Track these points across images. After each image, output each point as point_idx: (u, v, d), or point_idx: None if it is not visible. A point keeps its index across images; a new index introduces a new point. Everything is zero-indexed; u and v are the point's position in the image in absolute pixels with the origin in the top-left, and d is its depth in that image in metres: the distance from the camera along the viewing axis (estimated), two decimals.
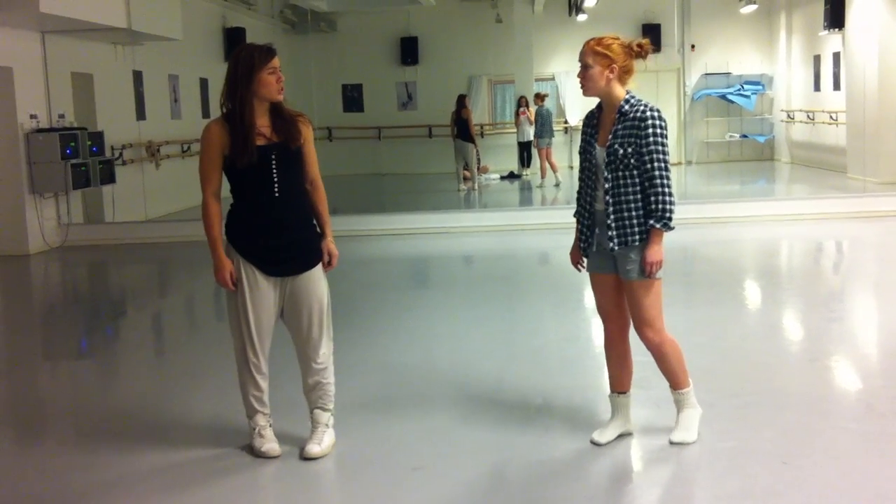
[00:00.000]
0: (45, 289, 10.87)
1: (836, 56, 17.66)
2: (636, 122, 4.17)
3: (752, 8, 20.01)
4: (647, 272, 4.20)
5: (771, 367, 5.75)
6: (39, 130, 11.96)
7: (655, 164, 4.14)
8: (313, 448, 4.41)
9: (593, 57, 4.21)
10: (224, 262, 4.35)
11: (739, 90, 21.20)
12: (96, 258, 12.01)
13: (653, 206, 4.16)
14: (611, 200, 4.21)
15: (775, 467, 4.13)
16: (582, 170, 4.41)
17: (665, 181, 4.15)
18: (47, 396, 6.09)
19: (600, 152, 4.27)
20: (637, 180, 4.18)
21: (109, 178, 13.11)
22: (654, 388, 4.83)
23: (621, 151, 4.17)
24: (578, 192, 4.46)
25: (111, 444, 4.77)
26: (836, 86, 17.74)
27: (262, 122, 4.34)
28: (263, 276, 4.35)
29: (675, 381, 4.40)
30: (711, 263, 9.92)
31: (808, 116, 19.15)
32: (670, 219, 4.16)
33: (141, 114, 14.97)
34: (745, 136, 21.56)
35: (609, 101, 4.27)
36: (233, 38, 17.82)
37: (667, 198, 4.15)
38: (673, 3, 20.25)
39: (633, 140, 4.16)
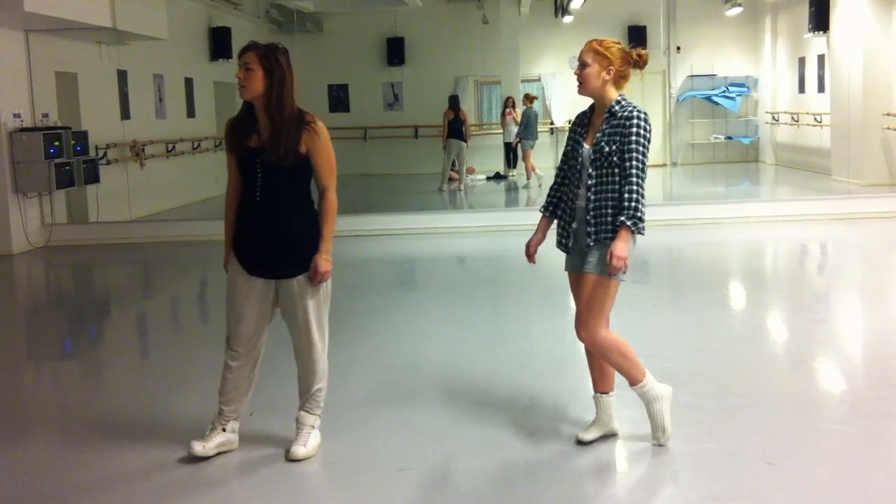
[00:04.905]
0: (29, 289, 10.80)
1: (821, 58, 17.75)
2: (622, 121, 4.23)
3: (737, 10, 20.10)
4: (611, 268, 4.16)
5: (756, 369, 5.77)
6: (23, 130, 11.88)
7: (633, 164, 4.17)
8: (299, 449, 4.40)
9: (593, 56, 4.27)
10: (227, 254, 4.46)
11: (724, 92, 21.28)
12: (80, 258, 11.94)
13: (626, 205, 4.16)
14: (592, 197, 4.25)
15: (760, 469, 4.14)
16: (567, 167, 4.43)
17: (640, 181, 4.17)
18: (31, 398, 6.05)
19: (587, 150, 4.30)
20: (619, 179, 4.22)
21: (93, 177, 13.04)
22: None
23: (606, 149, 4.22)
24: (556, 190, 4.49)
25: (95, 447, 4.74)
26: (821, 88, 17.84)
27: (262, 123, 4.29)
28: (247, 272, 4.38)
29: (629, 378, 4.38)
30: (696, 265, 9.95)
31: (793, 118, 19.24)
32: (640, 219, 4.15)
33: (125, 113, 14.89)
34: (729, 138, 21.64)
35: (601, 102, 4.32)
36: (218, 38, 17.79)
37: (639, 198, 4.15)
38: (658, 5, 20.31)
39: (617, 138, 4.21)
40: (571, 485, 4.12)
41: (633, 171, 4.16)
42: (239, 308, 4.40)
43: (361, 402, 5.28)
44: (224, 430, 4.49)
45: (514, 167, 19.42)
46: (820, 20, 16.65)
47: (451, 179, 17.69)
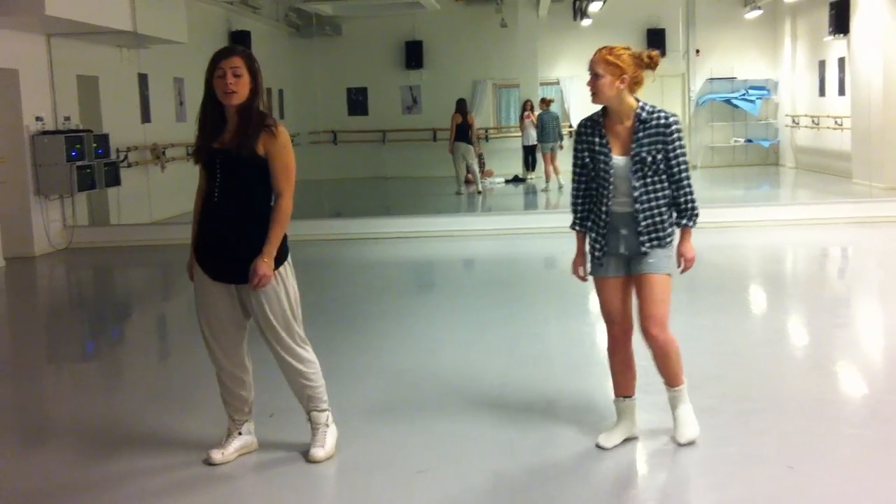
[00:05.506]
0: (51, 291, 10.89)
1: (841, 61, 17.65)
2: (661, 129, 4.25)
3: (756, 13, 20.03)
4: (685, 268, 4.41)
5: (775, 372, 5.75)
6: (45, 133, 11.99)
7: (682, 168, 4.32)
8: (317, 452, 4.41)
9: (604, 66, 4.24)
10: (190, 258, 4.41)
11: (744, 95, 21.19)
12: (101, 260, 12.03)
13: (683, 207, 4.34)
14: (640, 207, 4.28)
15: (779, 473, 4.13)
16: (591, 178, 4.39)
17: (690, 182, 4.36)
18: (52, 398, 6.10)
19: (623, 161, 4.29)
20: (665, 184, 4.31)
21: (114, 180, 13.14)
22: (659, 393, 4.81)
23: (649, 159, 4.25)
24: (584, 203, 4.45)
25: (116, 447, 4.78)
26: (841, 91, 17.73)
27: (230, 126, 4.26)
28: (209, 277, 4.34)
29: (675, 379, 4.43)
30: (716, 269, 9.91)
31: (813, 121, 19.14)
32: (698, 216, 4.38)
33: (146, 116, 14.99)
34: (749, 141, 21.55)
35: (620, 109, 4.30)
36: (238, 42, 17.84)
37: (694, 198, 4.37)
38: (678, 9, 20.28)
39: (660, 147, 4.25)
40: (590, 488, 4.12)
41: (684, 174, 4.32)
42: (207, 316, 4.36)
43: (378, 404, 5.30)
44: (240, 433, 4.50)
45: (533, 170, 19.42)
46: (840, 23, 16.56)
47: (467, 182, 17.72)
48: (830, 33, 16.96)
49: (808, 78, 19.80)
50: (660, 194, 4.29)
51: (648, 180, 4.27)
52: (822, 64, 18.85)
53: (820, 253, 11.07)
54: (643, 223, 4.28)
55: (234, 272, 4.26)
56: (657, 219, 4.29)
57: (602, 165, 4.32)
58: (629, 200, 4.29)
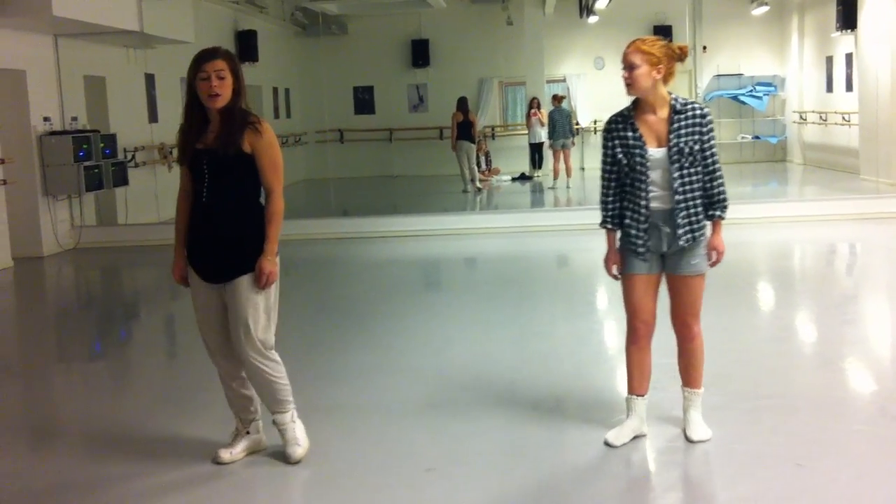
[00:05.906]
0: (59, 291, 10.92)
1: (849, 57, 17.60)
2: (698, 120, 4.27)
3: (763, 9, 19.96)
4: (716, 261, 4.42)
5: (784, 370, 5.74)
6: (52, 133, 12.02)
7: (716, 158, 4.35)
8: (296, 450, 4.39)
9: (641, 57, 4.24)
10: (175, 260, 4.43)
11: (751, 91, 21.14)
12: (109, 260, 12.06)
13: (717, 199, 4.35)
14: (680, 198, 4.27)
15: (788, 470, 4.12)
16: (624, 174, 4.34)
17: (722, 173, 4.38)
18: (60, 398, 6.12)
19: (660, 153, 4.27)
20: (700, 175, 4.31)
21: (122, 180, 13.18)
22: (668, 390, 4.83)
23: (687, 149, 4.26)
24: (616, 200, 4.41)
25: (124, 446, 4.79)
26: (849, 87, 17.67)
27: (213, 126, 4.26)
28: (202, 279, 4.34)
29: (697, 380, 4.48)
30: (724, 265, 9.86)
31: (821, 118, 19.09)
32: (727, 207, 4.38)
33: (153, 116, 15.03)
34: (757, 138, 21.50)
35: (654, 100, 4.29)
36: (244, 41, 17.90)
37: (725, 189, 4.37)
38: (684, 5, 20.20)
39: (696, 138, 4.27)
40: (599, 486, 4.12)
41: (717, 166, 4.35)
42: (203, 318, 4.37)
43: (388, 403, 5.30)
44: (248, 432, 4.50)
45: (540, 168, 19.40)
46: (847, 18, 16.51)
47: (472, 180, 17.73)
48: (838, 29, 16.91)
49: (815, 74, 19.74)
50: (696, 185, 4.29)
51: (685, 171, 4.26)
52: (829, 60, 18.80)
53: (828, 249, 11.04)
54: (682, 214, 4.26)
55: (223, 272, 4.26)
56: (692, 210, 4.28)
57: (638, 159, 4.29)
58: (666, 195, 4.27)
